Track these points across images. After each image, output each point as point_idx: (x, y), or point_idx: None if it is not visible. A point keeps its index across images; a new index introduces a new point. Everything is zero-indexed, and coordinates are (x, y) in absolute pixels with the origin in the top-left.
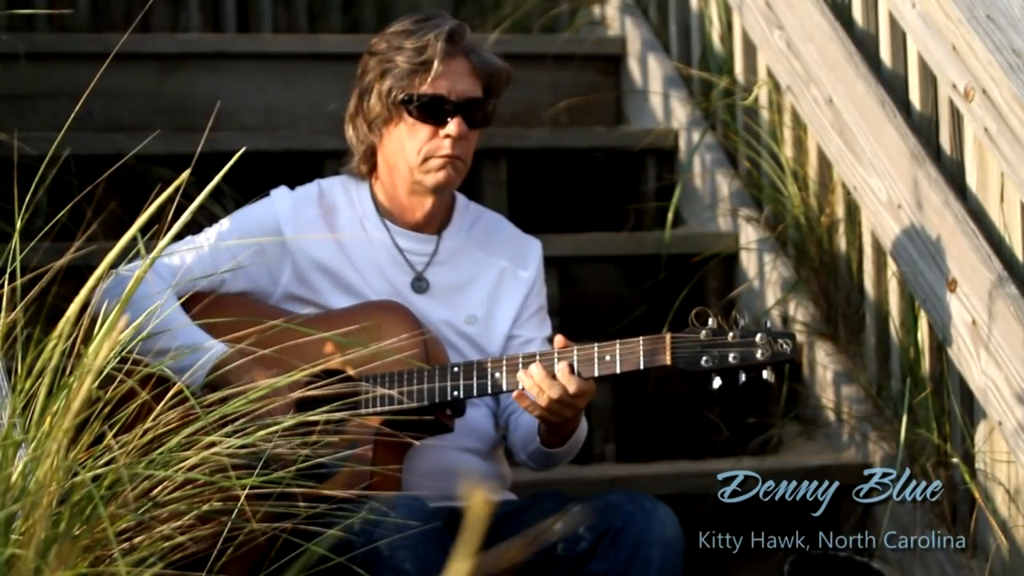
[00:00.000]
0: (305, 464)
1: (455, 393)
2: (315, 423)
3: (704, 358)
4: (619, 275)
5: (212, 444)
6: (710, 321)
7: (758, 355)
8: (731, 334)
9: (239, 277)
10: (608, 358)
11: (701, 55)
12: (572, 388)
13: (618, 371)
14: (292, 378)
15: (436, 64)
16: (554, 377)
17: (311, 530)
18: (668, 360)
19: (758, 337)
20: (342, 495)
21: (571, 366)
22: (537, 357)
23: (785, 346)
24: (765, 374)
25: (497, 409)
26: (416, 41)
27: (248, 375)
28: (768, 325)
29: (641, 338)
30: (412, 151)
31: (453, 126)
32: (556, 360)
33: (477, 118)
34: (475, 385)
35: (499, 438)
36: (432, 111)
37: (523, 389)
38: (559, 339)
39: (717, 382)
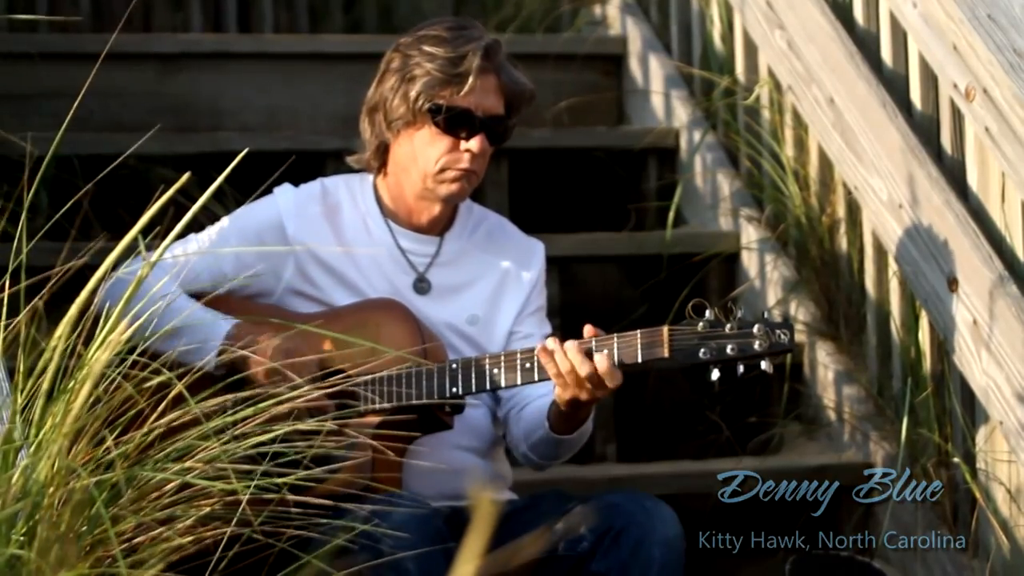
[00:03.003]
0: (305, 473)
1: (454, 390)
2: (314, 422)
3: (702, 350)
4: (620, 275)
5: (213, 450)
6: (707, 313)
7: (756, 346)
8: (729, 325)
9: (241, 271)
10: (606, 351)
11: (702, 55)
12: (603, 367)
13: (616, 364)
14: (295, 401)
15: (471, 79)
16: (588, 356)
17: (312, 530)
18: (666, 352)
19: (756, 328)
20: (343, 493)
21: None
22: (535, 353)
23: (783, 337)
24: (763, 365)
25: (496, 408)
26: (451, 51)
27: (260, 341)
28: (766, 316)
29: (639, 331)
30: (430, 160)
31: (475, 142)
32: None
33: (498, 135)
34: (474, 382)
35: (499, 437)
36: (458, 125)
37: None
38: (588, 329)
39: (715, 374)
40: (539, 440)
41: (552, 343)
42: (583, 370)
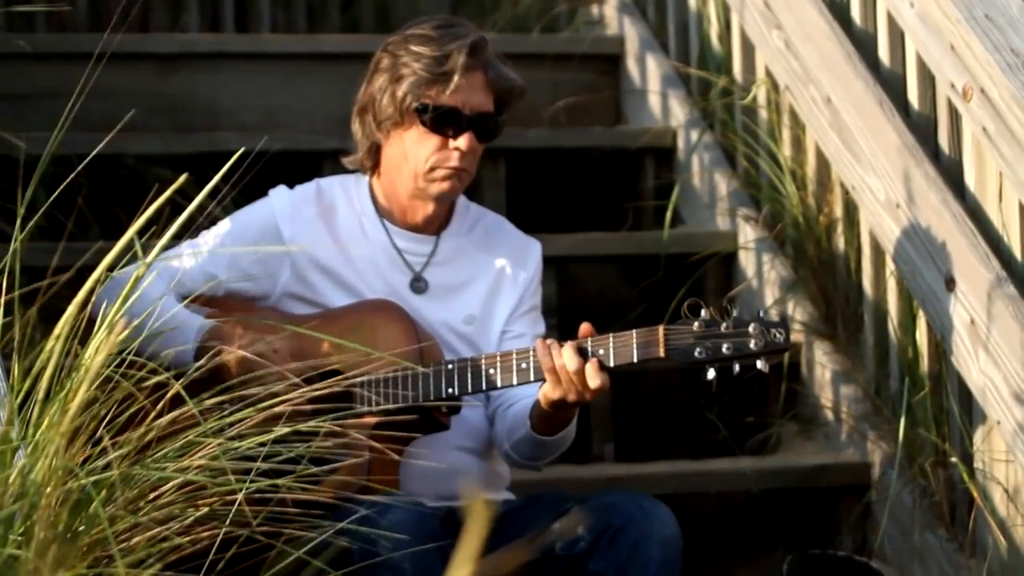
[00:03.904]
0: (305, 472)
1: (450, 390)
2: (312, 423)
3: (698, 349)
4: (618, 275)
5: (210, 449)
6: (703, 312)
7: (752, 345)
8: (724, 325)
9: (237, 275)
10: (602, 351)
11: (699, 54)
12: (591, 367)
13: (612, 364)
14: (290, 395)
15: (456, 77)
16: (583, 358)
17: (309, 530)
18: (662, 352)
19: (751, 327)
20: (340, 495)
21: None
22: (531, 354)
23: (779, 336)
24: (759, 364)
25: (486, 406)
26: (437, 50)
27: (238, 340)
28: (762, 315)
29: (634, 331)
30: (420, 159)
31: (464, 140)
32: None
33: (487, 132)
34: (470, 382)
35: None
36: (445, 123)
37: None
38: (583, 327)
39: (711, 373)
40: (521, 439)
41: (550, 340)
42: (572, 365)
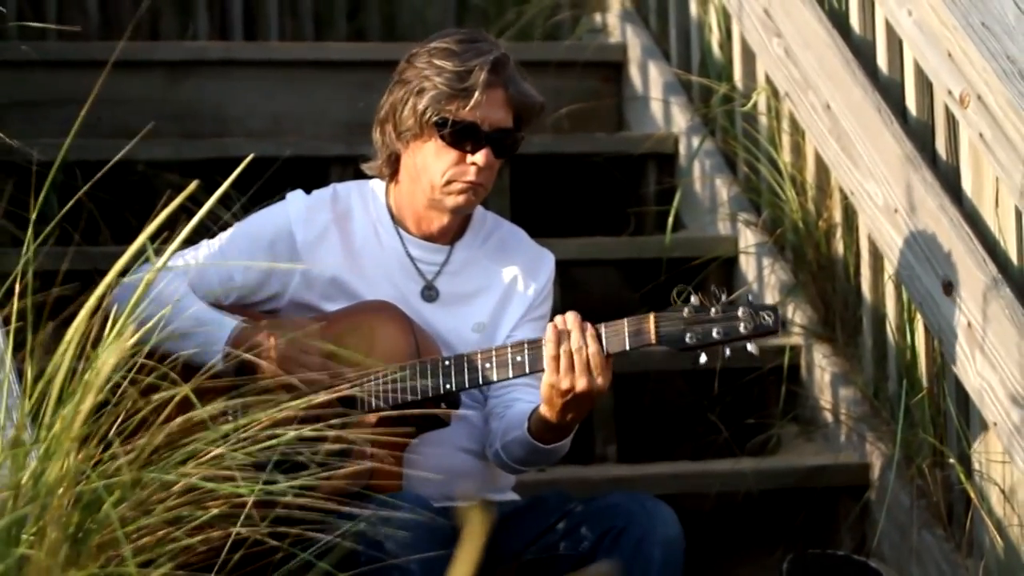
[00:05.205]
0: (308, 476)
1: (447, 386)
2: (319, 429)
3: (688, 335)
4: (620, 278)
5: (218, 453)
6: (692, 299)
7: (741, 329)
8: (713, 310)
9: (250, 278)
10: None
11: (701, 62)
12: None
13: (605, 353)
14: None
15: (477, 94)
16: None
17: (317, 531)
18: (653, 339)
19: (740, 311)
20: (346, 495)
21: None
22: (525, 346)
23: (768, 318)
24: (750, 347)
25: (483, 404)
26: (459, 65)
27: (268, 342)
28: (750, 299)
29: (626, 319)
30: (437, 172)
31: (481, 156)
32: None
33: (505, 148)
34: (467, 377)
35: None
36: (464, 138)
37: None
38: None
39: (703, 358)
40: (514, 440)
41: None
42: (586, 341)
